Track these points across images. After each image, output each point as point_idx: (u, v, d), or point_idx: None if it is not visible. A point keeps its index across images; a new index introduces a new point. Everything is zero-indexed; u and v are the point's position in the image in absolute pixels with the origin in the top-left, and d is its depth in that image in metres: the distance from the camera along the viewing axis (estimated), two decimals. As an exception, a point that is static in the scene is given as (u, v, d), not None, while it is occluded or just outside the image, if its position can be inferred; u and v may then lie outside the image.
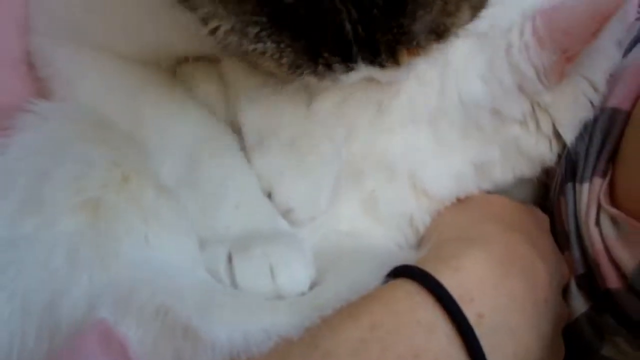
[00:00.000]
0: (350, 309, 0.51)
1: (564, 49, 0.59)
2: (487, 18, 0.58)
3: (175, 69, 0.70)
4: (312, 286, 0.57)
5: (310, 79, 0.51)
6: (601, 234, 0.61)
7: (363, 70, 0.51)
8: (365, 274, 0.56)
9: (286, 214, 0.64)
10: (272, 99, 0.65)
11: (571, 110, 0.65)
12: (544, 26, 0.59)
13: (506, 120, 0.64)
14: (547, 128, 0.65)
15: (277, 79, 0.58)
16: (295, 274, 0.57)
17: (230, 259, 0.56)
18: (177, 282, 0.53)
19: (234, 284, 0.56)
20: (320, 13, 0.46)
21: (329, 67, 0.49)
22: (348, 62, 0.49)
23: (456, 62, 0.63)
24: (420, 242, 0.66)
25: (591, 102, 0.65)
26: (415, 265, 0.55)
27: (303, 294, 0.56)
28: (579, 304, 0.65)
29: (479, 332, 0.50)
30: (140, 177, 0.58)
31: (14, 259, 0.52)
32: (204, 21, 0.49)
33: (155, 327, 0.49)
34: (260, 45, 0.48)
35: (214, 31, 0.49)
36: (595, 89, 0.65)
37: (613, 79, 0.66)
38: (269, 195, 0.64)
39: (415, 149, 0.66)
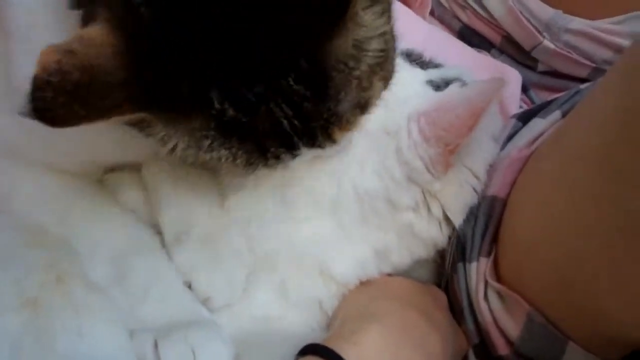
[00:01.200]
0: None
1: (447, 143, 0.67)
2: (376, 122, 0.67)
3: (102, 179, 0.76)
4: None
5: (264, 170, 0.58)
6: (489, 307, 0.69)
7: (307, 153, 0.58)
8: (278, 355, 0.63)
9: (205, 301, 0.70)
10: (187, 200, 0.72)
11: (457, 196, 0.72)
12: (428, 126, 0.67)
13: (400, 208, 0.71)
14: (437, 212, 0.72)
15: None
16: (214, 354, 0.63)
17: (156, 345, 0.62)
18: (111, 368, 0.59)
19: None
20: (260, 118, 0.52)
21: (277, 158, 0.56)
22: (292, 150, 0.56)
23: (351, 160, 0.71)
24: (329, 324, 0.72)
25: (474, 189, 0.73)
26: (320, 344, 0.62)
27: None
28: (477, 372, 0.72)
29: None
30: (73, 276, 0.64)
31: None
32: (163, 142, 0.55)
33: None
34: (214, 154, 0.54)
35: (173, 149, 0.55)
36: (477, 177, 0.73)
37: (492, 170, 0.74)
38: (190, 285, 0.71)
39: (320, 238, 0.72)
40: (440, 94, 0.72)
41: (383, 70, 0.58)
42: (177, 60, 0.49)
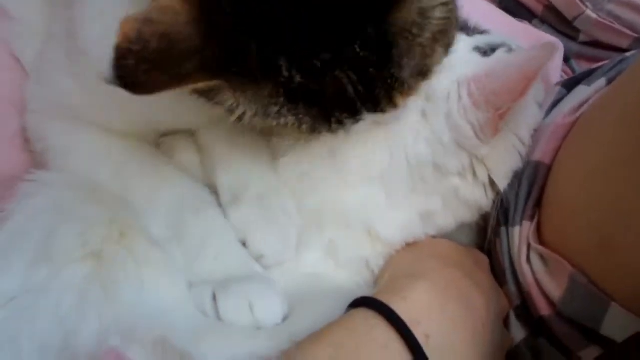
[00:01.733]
0: (318, 334, 0.61)
1: (497, 108, 0.68)
2: (426, 89, 0.69)
3: (158, 142, 0.79)
4: (285, 318, 0.67)
5: (327, 135, 0.60)
6: (532, 269, 0.71)
7: (369, 118, 0.60)
8: (329, 307, 0.66)
9: (259, 259, 0.73)
10: (243, 162, 0.75)
11: (503, 161, 0.74)
12: (478, 90, 0.69)
13: (447, 173, 0.73)
14: (483, 177, 0.74)
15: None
16: (270, 308, 0.67)
17: (214, 298, 0.66)
18: (171, 317, 0.63)
19: (218, 318, 0.65)
20: (326, 84, 0.54)
21: (340, 123, 0.58)
22: (355, 116, 0.58)
23: (403, 128, 0.72)
24: (375, 281, 0.75)
25: (520, 154, 0.75)
26: (370, 297, 0.64)
27: (278, 324, 0.66)
28: (518, 332, 0.74)
29: (426, 350, 0.59)
30: (134, 232, 0.68)
31: (29, 305, 0.61)
32: (230, 110, 0.57)
33: (157, 355, 0.58)
34: (282, 120, 0.56)
35: (240, 118, 0.57)
36: (523, 143, 0.75)
37: (537, 136, 0.76)
38: (244, 243, 0.74)
39: (369, 203, 0.74)
40: (489, 59, 0.73)
41: (445, 38, 0.59)
42: (247, 27, 0.51)
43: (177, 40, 0.49)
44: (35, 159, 0.77)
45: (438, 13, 0.57)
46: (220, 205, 0.75)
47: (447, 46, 0.61)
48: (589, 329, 0.64)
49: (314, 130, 0.58)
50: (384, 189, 0.73)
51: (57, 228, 0.64)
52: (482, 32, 0.79)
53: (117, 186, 0.72)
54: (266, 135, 0.75)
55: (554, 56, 0.65)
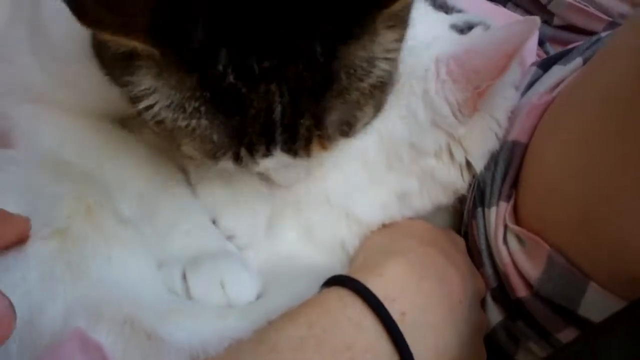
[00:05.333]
0: (291, 313, 0.60)
1: (476, 85, 0.67)
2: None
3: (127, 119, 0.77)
4: (258, 297, 0.66)
5: (227, 164, 0.57)
6: (508, 250, 0.70)
7: (277, 158, 0.56)
8: (304, 286, 0.65)
9: (229, 239, 0.72)
10: None
11: (480, 142, 0.74)
12: (457, 68, 0.68)
13: (423, 153, 0.72)
14: (460, 158, 0.74)
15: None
16: (242, 285, 0.65)
17: (184, 276, 0.65)
18: (140, 295, 0.61)
19: (189, 296, 0.64)
20: (257, 94, 0.51)
21: (250, 149, 0.55)
22: (268, 145, 0.55)
23: None
24: (350, 262, 0.74)
25: (496, 136, 0.75)
26: (344, 275, 0.64)
27: (250, 302, 0.65)
28: (495, 314, 0.74)
29: (402, 327, 0.59)
30: (102, 208, 0.66)
31: None
32: (138, 99, 0.54)
33: (124, 334, 0.57)
34: (193, 122, 0.53)
35: (148, 108, 0.54)
36: (499, 125, 0.75)
37: (513, 116, 0.76)
38: (214, 223, 0.73)
39: (348, 182, 0.74)
40: (467, 36, 0.73)
41: (380, 96, 0.59)
42: (200, 7, 0.50)
43: None
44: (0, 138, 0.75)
45: (383, 65, 0.56)
46: (190, 184, 0.74)
47: (378, 108, 0.61)
48: (567, 310, 0.64)
49: (216, 153, 0.56)
50: (361, 167, 0.73)
51: (21, 205, 0.62)
52: (459, 11, 0.78)
53: (84, 165, 0.71)
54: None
55: (534, 32, 0.64)
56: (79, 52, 0.62)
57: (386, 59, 0.56)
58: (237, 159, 0.56)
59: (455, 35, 0.73)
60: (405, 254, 0.67)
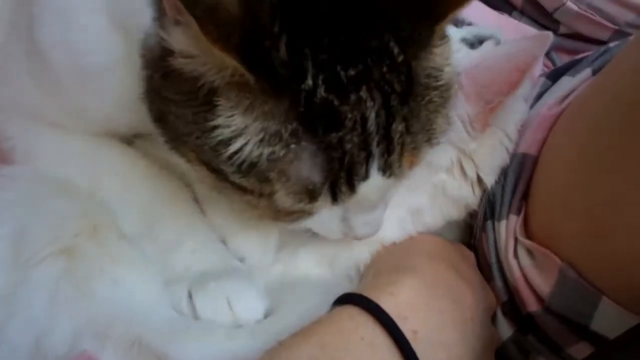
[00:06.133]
0: (303, 332, 0.59)
1: (488, 101, 0.67)
2: None
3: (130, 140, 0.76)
4: (266, 315, 0.65)
5: (323, 205, 0.55)
6: (519, 264, 0.70)
7: (373, 181, 0.55)
8: (314, 304, 0.64)
9: (239, 260, 0.71)
10: None
11: (491, 157, 0.73)
12: (469, 83, 0.67)
13: (434, 168, 0.72)
14: (471, 173, 0.73)
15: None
16: (250, 304, 0.65)
17: (190, 295, 0.64)
18: (147, 315, 0.61)
19: (195, 316, 0.63)
20: (349, 104, 0.50)
21: (349, 172, 0.53)
22: (368, 160, 0.53)
23: None
24: (360, 277, 0.74)
25: (507, 150, 0.74)
26: (356, 293, 0.63)
27: (259, 321, 0.64)
28: (505, 329, 0.73)
29: (414, 346, 0.58)
30: (107, 227, 0.65)
31: (1, 306, 0.58)
32: (225, 144, 0.51)
33: (132, 356, 0.57)
34: (293, 147, 0.50)
35: (237, 152, 0.51)
36: (510, 139, 0.74)
37: (522, 128, 0.75)
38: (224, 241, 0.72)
39: None
40: (478, 51, 0.72)
41: (449, 103, 0.58)
42: (283, 17, 0.48)
43: (222, 1, 0.45)
44: (2, 157, 0.74)
45: (447, 69, 0.57)
46: (196, 201, 0.73)
47: (449, 116, 0.60)
48: (579, 325, 0.63)
49: (314, 190, 0.53)
50: None
51: (27, 222, 0.62)
52: (469, 24, 0.78)
53: (87, 182, 0.70)
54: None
55: (546, 47, 0.64)
56: (84, 80, 0.62)
57: (448, 64, 0.57)
58: (334, 192, 0.54)
59: (465, 49, 0.73)
60: (417, 271, 0.67)
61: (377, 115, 0.51)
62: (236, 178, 0.53)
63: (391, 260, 0.71)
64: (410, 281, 0.64)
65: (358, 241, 0.68)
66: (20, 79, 0.68)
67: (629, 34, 0.98)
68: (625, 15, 0.99)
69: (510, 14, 1.07)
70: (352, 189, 0.54)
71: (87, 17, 0.60)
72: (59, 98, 0.67)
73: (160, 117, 0.55)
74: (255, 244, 0.72)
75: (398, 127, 0.53)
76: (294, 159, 0.51)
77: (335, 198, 0.54)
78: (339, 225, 0.61)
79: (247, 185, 0.53)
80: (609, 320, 0.61)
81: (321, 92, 0.49)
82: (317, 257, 0.73)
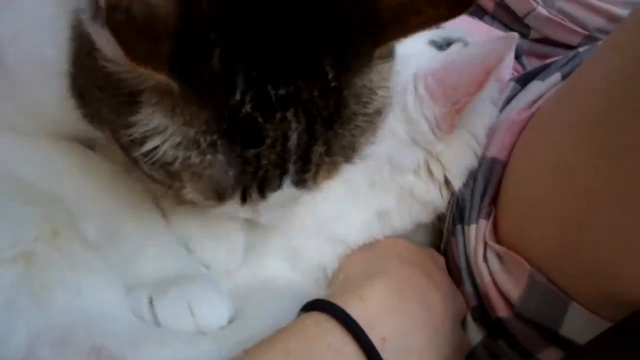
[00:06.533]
0: (269, 340, 0.58)
1: (454, 102, 0.67)
2: None
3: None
4: (231, 321, 0.64)
5: (232, 205, 0.55)
6: (488, 268, 0.69)
7: (284, 191, 0.55)
8: (280, 310, 0.63)
9: (204, 266, 0.70)
10: None
11: (459, 159, 0.73)
12: (436, 84, 0.68)
13: (401, 170, 0.72)
14: (438, 175, 0.73)
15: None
16: (212, 310, 0.63)
17: (151, 301, 0.62)
18: (108, 322, 0.59)
19: (157, 323, 0.62)
20: (273, 123, 0.50)
21: (262, 184, 0.53)
22: (280, 177, 0.53)
23: None
24: (329, 283, 0.73)
25: (475, 153, 0.74)
26: (323, 299, 0.62)
27: (222, 327, 0.63)
28: (475, 334, 0.73)
29: (383, 353, 0.57)
30: (68, 232, 0.63)
31: None
32: (141, 140, 0.50)
33: None
34: (209, 157, 0.50)
35: (152, 150, 0.50)
36: (477, 142, 0.74)
37: (491, 132, 0.75)
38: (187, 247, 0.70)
39: (331, 204, 0.72)
40: (445, 52, 0.72)
41: (377, 121, 0.58)
42: (219, 30, 0.47)
43: (158, 13, 0.44)
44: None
45: (382, 92, 0.56)
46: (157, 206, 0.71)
47: (374, 133, 0.59)
48: (549, 330, 0.63)
49: (224, 193, 0.53)
50: (344, 186, 0.72)
51: None
52: (437, 26, 0.77)
53: (46, 187, 0.67)
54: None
55: (512, 48, 0.64)
56: (39, 77, 0.60)
57: (384, 87, 0.56)
58: (244, 197, 0.54)
59: (433, 51, 0.73)
60: (386, 275, 0.66)
61: (299, 137, 0.51)
62: (147, 169, 0.52)
63: (361, 264, 0.71)
64: (380, 286, 0.64)
65: (321, 242, 0.70)
66: None
67: (599, 39, 0.99)
68: (595, 21, 1.01)
69: (481, 18, 1.07)
70: (262, 196, 0.54)
71: (35, 5, 0.59)
72: (12, 96, 0.65)
73: (81, 93, 0.55)
74: (220, 251, 0.71)
75: (318, 149, 0.53)
76: (208, 166, 0.51)
77: (244, 200, 0.54)
78: (246, 212, 0.60)
79: (157, 177, 0.53)
80: (578, 325, 0.61)
81: (247, 108, 0.48)
82: (282, 256, 0.73)
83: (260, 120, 0.49)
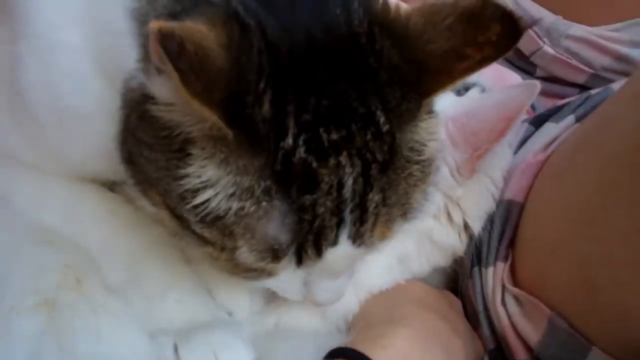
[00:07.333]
0: None
1: (475, 148, 0.68)
2: None
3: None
4: None
5: (287, 266, 0.53)
6: (507, 312, 0.70)
7: (341, 248, 0.53)
8: (303, 357, 0.64)
9: (227, 313, 0.70)
10: None
11: (477, 204, 0.74)
12: (457, 130, 0.68)
13: (421, 214, 0.69)
14: (458, 219, 0.73)
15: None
16: (236, 356, 0.63)
17: (176, 348, 0.62)
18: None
19: None
20: (327, 167, 0.49)
21: (318, 236, 0.51)
22: (339, 227, 0.51)
23: None
24: (349, 327, 0.72)
25: (493, 197, 0.75)
26: (348, 347, 0.62)
27: None
28: (493, 378, 0.73)
29: None
30: (91, 278, 0.63)
31: None
32: (192, 193, 0.49)
33: None
34: (264, 204, 0.49)
35: (203, 203, 0.49)
36: (495, 186, 0.75)
37: (507, 175, 0.76)
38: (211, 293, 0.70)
39: None
40: (464, 98, 0.73)
41: (428, 179, 0.57)
42: (268, 74, 0.47)
43: (209, 55, 0.43)
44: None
45: (431, 144, 0.56)
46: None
47: (426, 192, 0.58)
48: None
49: (279, 250, 0.51)
50: None
51: (6, 271, 0.60)
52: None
53: (68, 230, 0.68)
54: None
55: (534, 97, 0.65)
56: (65, 124, 0.61)
57: (433, 140, 0.56)
58: (300, 255, 0.52)
59: (452, 96, 0.73)
60: (408, 322, 0.66)
61: (355, 183, 0.50)
62: (198, 228, 0.51)
63: (381, 311, 0.71)
64: (403, 333, 0.64)
65: (349, 290, 0.67)
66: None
67: (605, 78, 1.01)
68: (601, 60, 1.01)
69: (487, 56, 1.08)
70: (319, 253, 0.52)
71: (70, 58, 0.59)
72: (38, 139, 0.65)
73: (130, 159, 0.54)
74: (243, 297, 0.70)
75: (375, 197, 0.52)
76: (263, 216, 0.49)
77: (300, 261, 0.52)
78: (299, 288, 0.59)
79: (209, 237, 0.51)
80: (599, 370, 0.61)
81: (300, 152, 0.48)
82: (305, 303, 0.71)
83: (314, 164, 0.48)
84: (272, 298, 0.70)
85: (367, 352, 0.60)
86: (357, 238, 0.53)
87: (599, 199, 0.61)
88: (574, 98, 0.81)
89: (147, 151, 0.51)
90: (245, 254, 0.51)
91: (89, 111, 0.59)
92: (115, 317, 0.62)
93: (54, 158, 0.67)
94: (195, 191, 0.49)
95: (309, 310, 0.72)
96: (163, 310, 0.67)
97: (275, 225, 0.50)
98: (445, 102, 0.70)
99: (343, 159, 0.49)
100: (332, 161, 0.49)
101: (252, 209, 0.49)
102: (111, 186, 0.72)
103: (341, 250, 0.53)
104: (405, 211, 0.55)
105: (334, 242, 0.52)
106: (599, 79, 1.01)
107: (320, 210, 0.50)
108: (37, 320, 0.58)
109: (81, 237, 0.67)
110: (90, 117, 0.59)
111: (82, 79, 0.59)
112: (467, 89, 0.74)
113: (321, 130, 0.48)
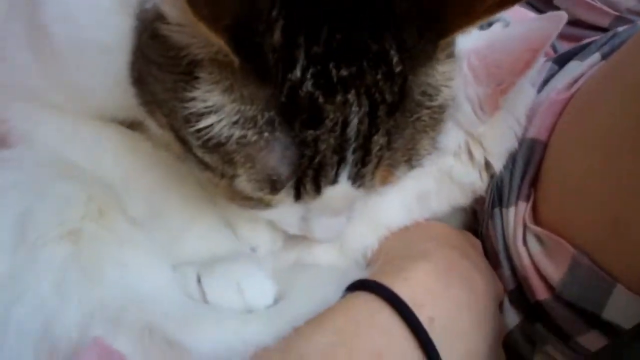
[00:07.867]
0: (318, 319, 0.59)
1: (499, 82, 0.67)
2: None
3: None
4: (276, 300, 0.64)
5: (285, 199, 0.53)
6: (528, 251, 0.69)
7: (340, 187, 0.53)
8: (325, 291, 0.64)
9: (250, 249, 0.71)
10: None
11: (499, 142, 0.73)
12: (479, 63, 0.67)
13: (442, 152, 0.71)
14: (479, 157, 0.73)
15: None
16: (259, 289, 0.64)
17: (199, 279, 0.63)
18: (158, 301, 0.59)
19: (205, 300, 0.62)
20: (334, 103, 0.48)
21: (318, 172, 0.51)
22: (339, 165, 0.51)
23: None
24: (368, 263, 0.73)
25: (515, 135, 0.74)
26: (370, 279, 0.63)
27: (268, 306, 0.63)
28: (512, 318, 0.73)
29: (431, 334, 0.58)
30: (114, 210, 0.64)
31: (3, 292, 0.56)
32: (197, 118, 0.49)
33: (144, 343, 0.55)
34: (266, 135, 0.49)
35: (206, 127, 0.49)
36: (518, 123, 0.74)
37: (530, 113, 0.75)
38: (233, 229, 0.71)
39: None
40: (488, 31, 0.71)
41: (440, 125, 0.56)
42: (283, 7, 0.47)
43: None
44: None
45: (445, 90, 0.55)
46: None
47: (436, 140, 0.58)
48: (590, 313, 0.63)
49: (277, 181, 0.51)
50: None
51: (31, 205, 0.61)
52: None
53: (90, 165, 0.68)
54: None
55: (559, 28, 0.63)
56: (86, 58, 0.61)
57: (448, 86, 0.55)
58: (298, 189, 0.52)
59: (475, 31, 0.71)
60: (429, 256, 0.67)
61: (360, 122, 0.49)
62: (200, 152, 0.52)
63: (400, 247, 0.71)
64: (425, 266, 0.64)
65: (365, 226, 0.68)
66: (19, 56, 0.66)
67: (629, 20, 1.00)
68: (626, 2, 1.01)
69: (510, -1, 1.07)
70: (317, 190, 0.52)
71: None
72: (58, 76, 0.65)
73: (139, 78, 0.55)
74: (265, 234, 0.70)
75: (379, 139, 0.51)
76: (264, 147, 0.49)
77: (298, 196, 0.53)
78: (298, 222, 0.60)
79: (210, 162, 0.52)
80: (622, 308, 0.60)
81: (307, 86, 0.48)
82: (329, 244, 0.72)
83: (320, 100, 0.48)
84: (292, 236, 0.70)
85: (388, 283, 0.61)
86: (357, 179, 0.53)
87: (628, 131, 0.60)
88: (600, 37, 0.79)
89: (155, 70, 0.51)
90: (244, 183, 0.52)
91: (109, 44, 0.59)
92: (139, 248, 0.63)
93: (76, 95, 0.67)
94: (200, 115, 0.49)
95: (328, 247, 0.72)
96: (185, 245, 0.67)
97: (275, 156, 0.50)
98: (467, 35, 0.70)
99: (351, 96, 0.48)
100: (339, 98, 0.48)
101: (254, 138, 0.49)
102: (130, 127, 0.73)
103: (340, 190, 0.53)
104: (410, 157, 0.55)
105: (333, 181, 0.52)
106: (623, 21, 1.00)
107: (322, 146, 0.50)
108: (62, 250, 0.59)
109: (104, 172, 0.68)
110: (110, 49, 0.59)
111: (102, 13, 0.59)
112: (490, 24, 0.73)
113: (331, 65, 0.48)
